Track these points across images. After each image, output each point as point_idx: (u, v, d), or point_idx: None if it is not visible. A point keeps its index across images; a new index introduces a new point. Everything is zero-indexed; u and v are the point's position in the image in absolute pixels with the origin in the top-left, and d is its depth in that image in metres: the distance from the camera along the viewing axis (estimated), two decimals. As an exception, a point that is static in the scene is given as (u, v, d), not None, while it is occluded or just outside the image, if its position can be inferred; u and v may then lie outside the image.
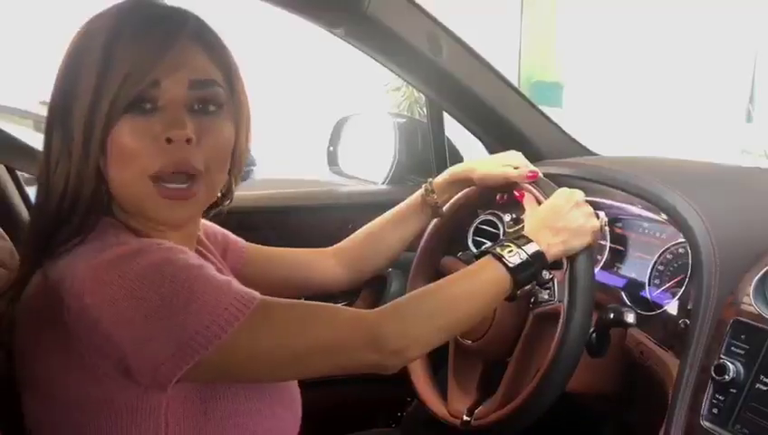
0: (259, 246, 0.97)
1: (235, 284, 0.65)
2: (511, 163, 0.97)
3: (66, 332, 0.62)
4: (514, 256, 0.80)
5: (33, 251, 0.68)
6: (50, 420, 0.68)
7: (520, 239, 0.82)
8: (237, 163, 0.74)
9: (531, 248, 0.81)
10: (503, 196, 1.05)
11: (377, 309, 0.71)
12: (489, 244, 1.22)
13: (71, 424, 0.66)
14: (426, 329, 0.73)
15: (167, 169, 0.66)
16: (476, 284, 0.78)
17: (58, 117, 0.67)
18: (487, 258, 0.81)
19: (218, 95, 0.68)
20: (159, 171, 0.66)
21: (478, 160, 1.02)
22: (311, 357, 0.67)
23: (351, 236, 1.04)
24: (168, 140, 0.65)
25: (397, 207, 1.03)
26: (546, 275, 0.84)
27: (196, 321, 0.60)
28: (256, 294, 0.65)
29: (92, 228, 0.67)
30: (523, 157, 0.98)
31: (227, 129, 0.70)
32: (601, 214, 0.90)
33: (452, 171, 1.02)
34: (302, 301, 0.73)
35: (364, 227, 1.04)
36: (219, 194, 0.77)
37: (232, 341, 0.61)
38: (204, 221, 0.85)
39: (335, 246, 1.03)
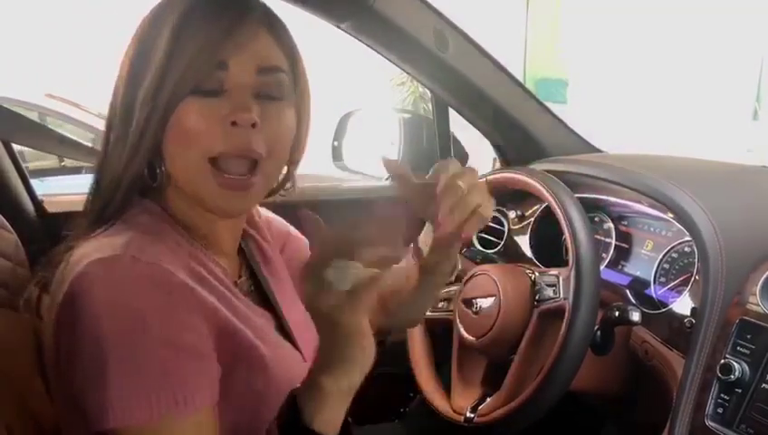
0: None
1: (190, 376, 0.58)
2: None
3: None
4: None
5: (80, 232, 0.67)
6: (67, 405, 0.67)
7: None
8: (296, 152, 0.73)
9: None
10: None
11: None
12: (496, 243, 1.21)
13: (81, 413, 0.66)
14: None
15: (229, 152, 0.64)
16: None
17: (121, 99, 0.67)
18: None
19: (283, 82, 0.68)
20: (221, 154, 0.64)
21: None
22: None
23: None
24: (234, 123, 0.64)
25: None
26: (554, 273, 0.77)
27: (127, 388, 0.56)
28: (199, 401, 0.57)
29: (128, 212, 0.66)
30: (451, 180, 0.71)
31: (290, 116, 0.69)
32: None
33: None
34: None
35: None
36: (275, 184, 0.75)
37: (143, 428, 0.55)
38: (270, 214, 0.85)
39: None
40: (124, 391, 0.55)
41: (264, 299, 0.76)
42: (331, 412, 0.56)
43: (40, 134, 1.11)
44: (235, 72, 0.65)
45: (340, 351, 0.55)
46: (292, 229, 0.90)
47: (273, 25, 0.68)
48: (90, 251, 0.62)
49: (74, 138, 1.21)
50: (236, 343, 0.65)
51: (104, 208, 0.67)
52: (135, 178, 0.66)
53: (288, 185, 0.77)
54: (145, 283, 0.58)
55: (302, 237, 0.90)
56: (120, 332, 0.56)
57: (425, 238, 0.79)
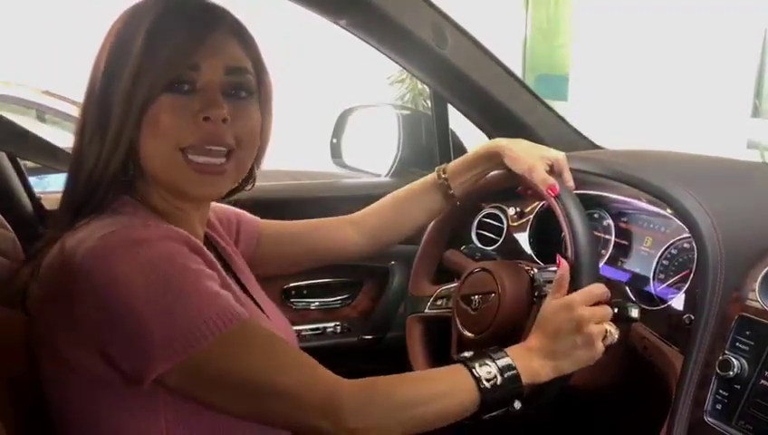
0: (275, 221, 0.99)
1: (224, 299, 0.66)
2: (549, 159, 0.93)
3: (70, 304, 0.64)
4: (492, 380, 0.73)
5: (59, 225, 0.71)
6: (61, 386, 0.69)
7: (506, 369, 0.74)
8: (260, 150, 0.77)
9: (513, 383, 0.74)
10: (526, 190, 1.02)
11: (352, 381, 0.68)
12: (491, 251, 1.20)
13: (79, 393, 0.68)
14: (388, 420, 0.69)
15: (200, 144, 0.69)
16: (451, 398, 0.73)
17: (97, 94, 0.71)
18: (468, 377, 0.73)
19: (249, 82, 0.73)
20: (192, 146, 0.69)
21: (515, 141, 0.97)
22: (270, 398, 0.66)
23: (373, 205, 1.03)
24: (206, 119, 0.69)
25: (415, 183, 1.03)
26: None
27: (175, 326, 0.62)
28: (242, 314, 0.66)
29: (109, 206, 0.70)
30: (565, 162, 0.94)
31: (256, 115, 0.74)
32: (613, 329, 0.80)
33: (481, 147, 0.99)
34: (285, 341, 0.70)
35: (386, 197, 1.03)
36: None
37: (204, 355, 0.62)
38: (215, 204, 0.87)
39: (355, 214, 1.03)
40: (184, 323, 0.62)
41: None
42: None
43: (28, 142, 1.11)
44: (206, 73, 0.69)
45: (567, 357, 0.78)
46: (243, 215, 0.95)
47: (240, 32, 0.74)
48: (86, 235, 0.65)
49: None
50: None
51: (84, 204, 0.70)
52: (115, 175, 0.70)
53: (248, 184, 0.82)
54: (164, 238, 0.65)
55: (255, 218, 0.96)
56: (161, 277, 0.62)
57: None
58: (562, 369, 0.78)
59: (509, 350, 0.78)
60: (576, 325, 0.78)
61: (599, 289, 0.81)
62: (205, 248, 0.70)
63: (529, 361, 0.77)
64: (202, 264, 0.67)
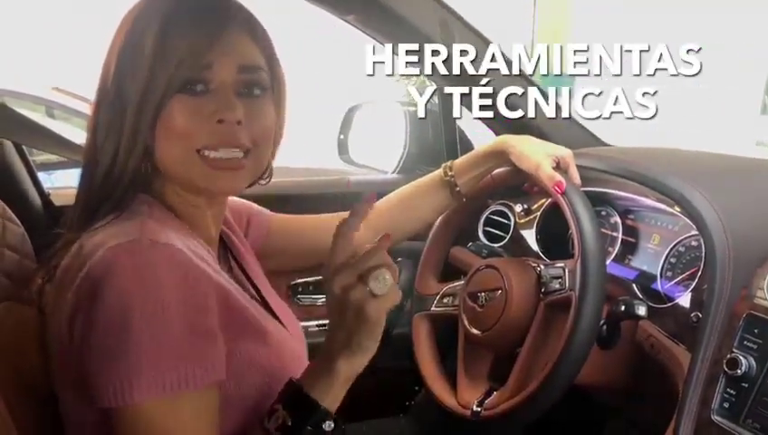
0: (285, 215, 0.98)
1: (192, 359, 0.61)
2: (556, 156, 0.94)
3: (73, 305, 0.64)
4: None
5: (76, 226, 0.70)
6: (71, 383, 0.69)
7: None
8: (274, 144, 0.77)
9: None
10: (531, 186, 1.03)
11: None
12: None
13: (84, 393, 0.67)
14: None
15: (216, 144, 0.69)
16: None
17: (110, 95, 0.70)
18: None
19: (263, 80, 0.72)
20: (207, 145, 0.68)
21: (521, 138, 0.98)
22: None
23: (381, 202, 1.03)
24: (220, 121, 0.68)
25: (421, 180, 1.03)
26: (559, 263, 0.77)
27: (121, 370, 0.59)
28: (201, 379, 0.61)
29: (128, 205, 0.69)
30: (572, 158, 0.96)
31: (270, 111, 0.73)
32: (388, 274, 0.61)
33: (487, 145, 0.99)
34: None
35: (393, 194, 1.03)
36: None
37: (132, 412, 0.59)
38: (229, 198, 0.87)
39: None
40: (142, 370, 0.59)
41: (244, 287, 0.79)
42: (339, 393, 0.63)
43: (38, 133, 1.12)
44: (219, 73, 0.69)
45: (359, 338, 0.61)
46: (252, 207, 0.95)
47: (253, 28, 0.72)
48: (104, 239, 0.64)
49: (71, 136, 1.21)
50: (244, 318, 0.69)
51: (102, 204, 0.69)
52: (134, 173, 0.69)
53: (265, 176, 0.81)
54: (164, 266, 0.62)
55: (263, 210, 0.95)
56: (141, 314, 0.60)
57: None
58: (355, 367, 0.63)
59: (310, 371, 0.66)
60: (338, 304, 0.62)
61: (342, 244, 0.63)
62: (204, 267, 0.66)
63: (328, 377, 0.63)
64: (203, 291, 0.64)
